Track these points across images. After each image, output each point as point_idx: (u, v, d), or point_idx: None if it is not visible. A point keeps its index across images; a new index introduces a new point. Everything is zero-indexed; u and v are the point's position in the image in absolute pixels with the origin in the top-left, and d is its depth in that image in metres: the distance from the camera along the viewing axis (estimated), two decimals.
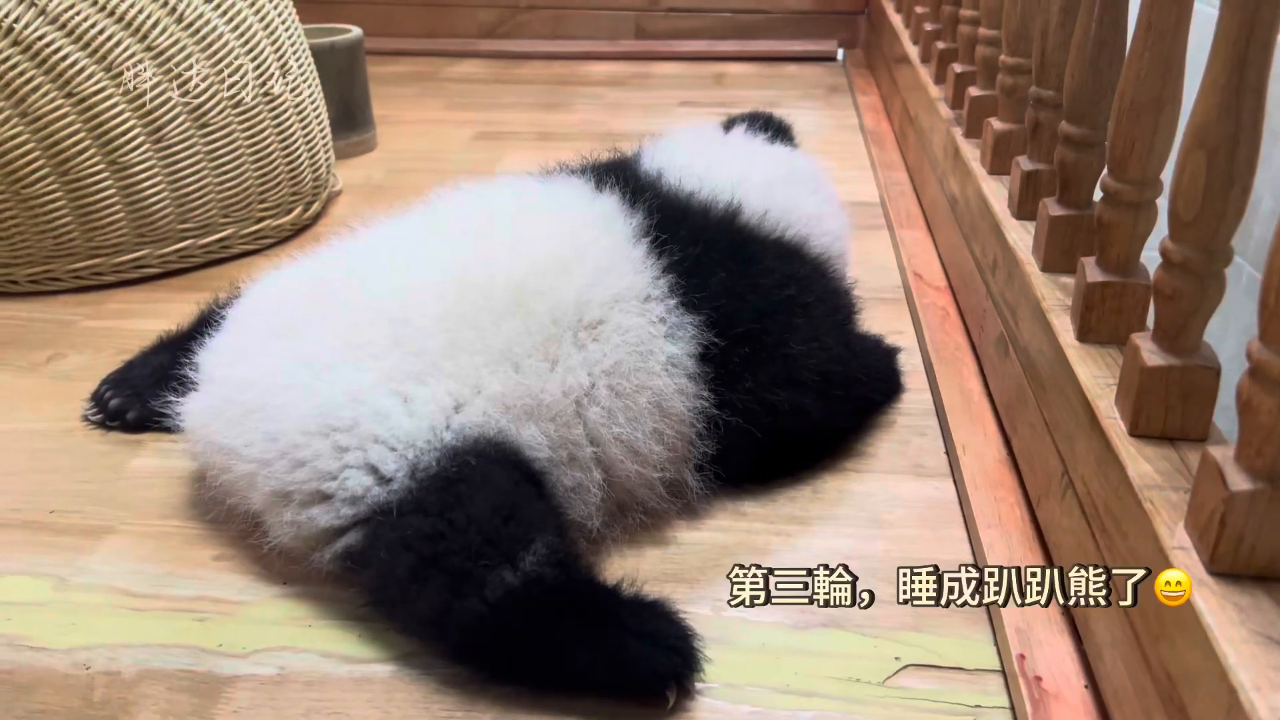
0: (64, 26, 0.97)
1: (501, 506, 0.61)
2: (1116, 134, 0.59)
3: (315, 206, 1.20)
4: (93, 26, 0.98)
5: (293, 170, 1.14)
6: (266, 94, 1.10)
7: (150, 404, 0.82)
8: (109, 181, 1.01)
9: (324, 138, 1.22)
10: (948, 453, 0.79)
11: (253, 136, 1.09)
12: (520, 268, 0.69)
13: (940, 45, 1.19)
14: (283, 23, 1.14)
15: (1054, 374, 0.64)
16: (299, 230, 1.18)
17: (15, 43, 0.96)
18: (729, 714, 0.57)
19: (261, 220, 1.13)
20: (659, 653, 0.57)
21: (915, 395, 0.86)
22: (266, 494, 0.64)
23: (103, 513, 0.73)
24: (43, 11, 0.96)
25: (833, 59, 1.92)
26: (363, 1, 1.94)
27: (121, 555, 0.69)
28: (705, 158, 0.83)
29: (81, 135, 0.99)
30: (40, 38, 0.96)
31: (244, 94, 1.07)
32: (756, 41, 1.93)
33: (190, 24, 1.03)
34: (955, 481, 0.75)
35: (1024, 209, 0.81)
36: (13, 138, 0.97)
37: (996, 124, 0.90)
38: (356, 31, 1.41)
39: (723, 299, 0.72)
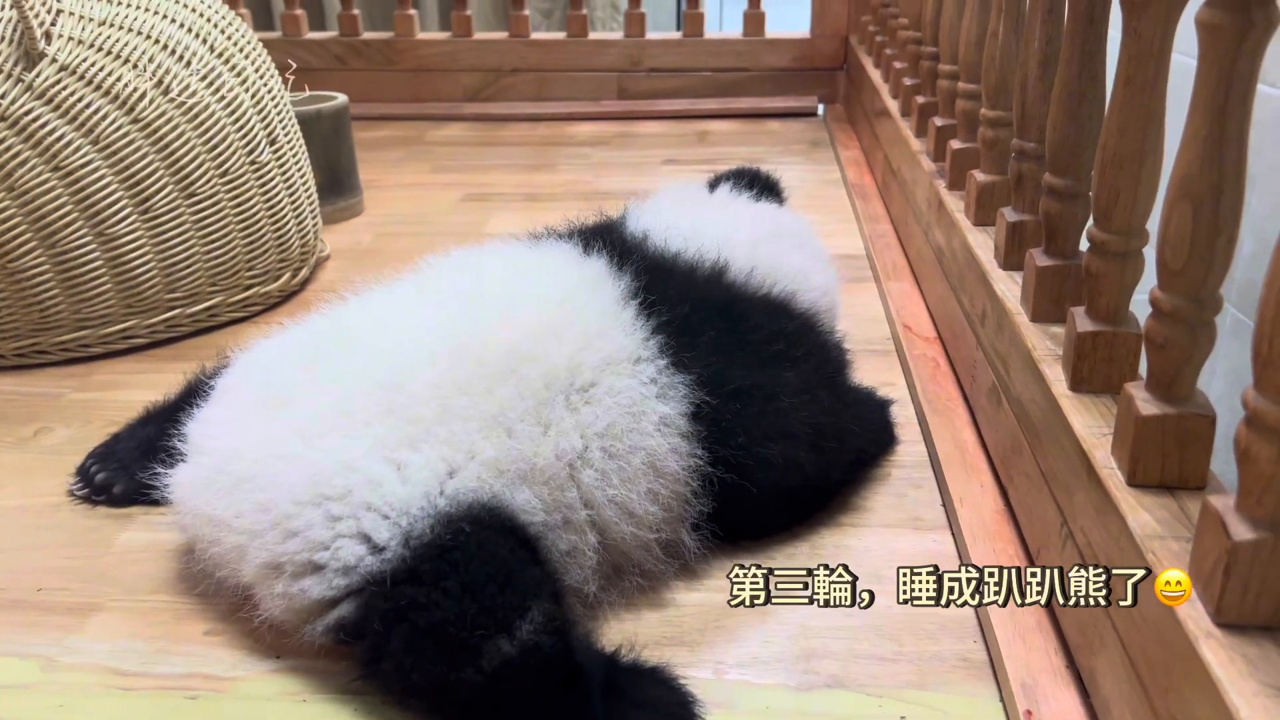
0: (50, 101, 0.98)
1: (496, 574, 0.60)
2: (1100, 185, 0.59)
3: (304, 272, 1.20)
4: (79, 100, 0.98)
5: (280, 237, 1.15)
6: (253, 163, 1.10)
7: (137, 477, 0.81)
8: (96, 253, 1.01)
9: (311, 204, 1.22)
10: (944, 505, 0.78)
11: (240, 205, 1.09)
12: (512, 333, 0.69)
13: (920, 99, 1.20)
14: (269, 92, 1.15)
15: (1048, 424, 0.64)
16: (287, 296, 1.18)
17: (2, 118, 0.96)
18: None
19: (250, 288, 1.13)
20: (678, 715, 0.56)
21: (909, 447, 0.86)
22: (258, 565, 0.63)
23: (90, 589, 0.72)
24: (29, 87, 0.97)
25: (813, 114, 1.95)
26: (348, 69, 1.96)
27: (111, 633, 0.68)
28: (690, 217, 0.84)
29: (69, 208, 0.99)
30: (27, 113, 0.97)
31: (230, 164, 1.08)
32: (738, 99, 1.95)
33: (177, 97, 1.04)
34: (954, 534, 0.75)
35: (1010, 260, 0.81)
36: None
37: (980, 176, 0.91)
38: (342, 99, 1.42)
39: (712, 357, 0.72)
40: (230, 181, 1.08)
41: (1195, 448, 0.52)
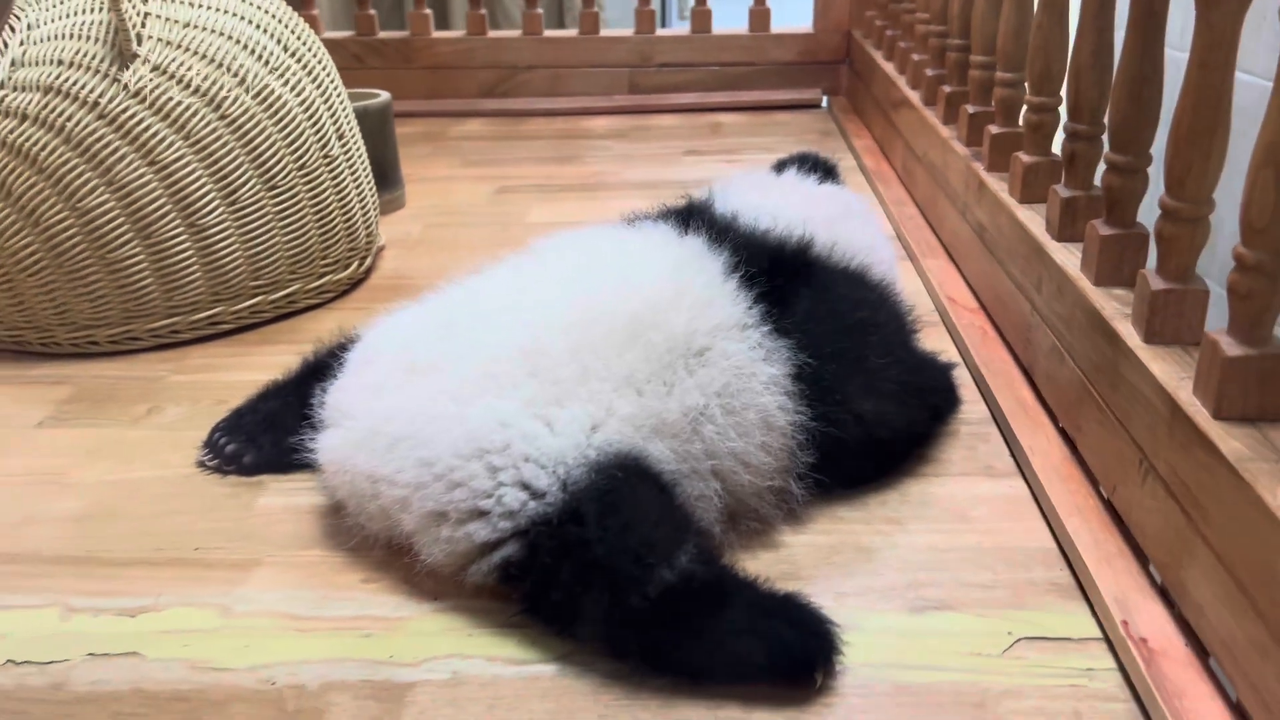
0: (144, 99, 1.03)
1: (651, 512, 0.67)
2: (1174, 158, 0.67)
3: (368, 261, 1.26)
4: (170, 99, 1.04)
5: (349, 227, 1.20)
6: (326, 156, 1.16)
7: (264, 448, 0.87)
8: (188, 243, 1.07)
9: (372, 196, 1.28)
10: (1013, 455, 0.86)
11: (315, 197, 1.15)
12: (634, 304, 0.76)
13: (947, 89, 1.28)
14: (335, 90, 1.20)
15: (1121, 374, 0.72)
16: (355, 284, 1.24)
17: (100, 116, 1.02)
18: (870, 690, 0.63)
19: (323, 276, 1.19)
20: (806, 637, 0.63)
21: (970, 406, 0.94)
22: (422, 515, 0.70)
23: (245, 547, 0.78)
24: (125, 86, 1.02)
25: (818, 106, 2.03)
26: (366, 68, 2.01)
27: (274, 584, 0.74)
28: (771, 198, 0.91)
29: (163, 201, 1.05)
30: (124, 110, 1.02)
31: (307, 158, 1.14)
32: (745, 92, 2.03)
33: (259, 94, 1.09)
34: (1026, 480, 0.83)
35: (1063, 232, 0.89)
36: (99, 205, 1.02)
37: (1025, 157, 0.99)
38: (385, 95, 1.48)
39: (808, 324, 0.79)
40: (306, 174, 1.14)
41: (1275, 383, 0.60)
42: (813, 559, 0.75)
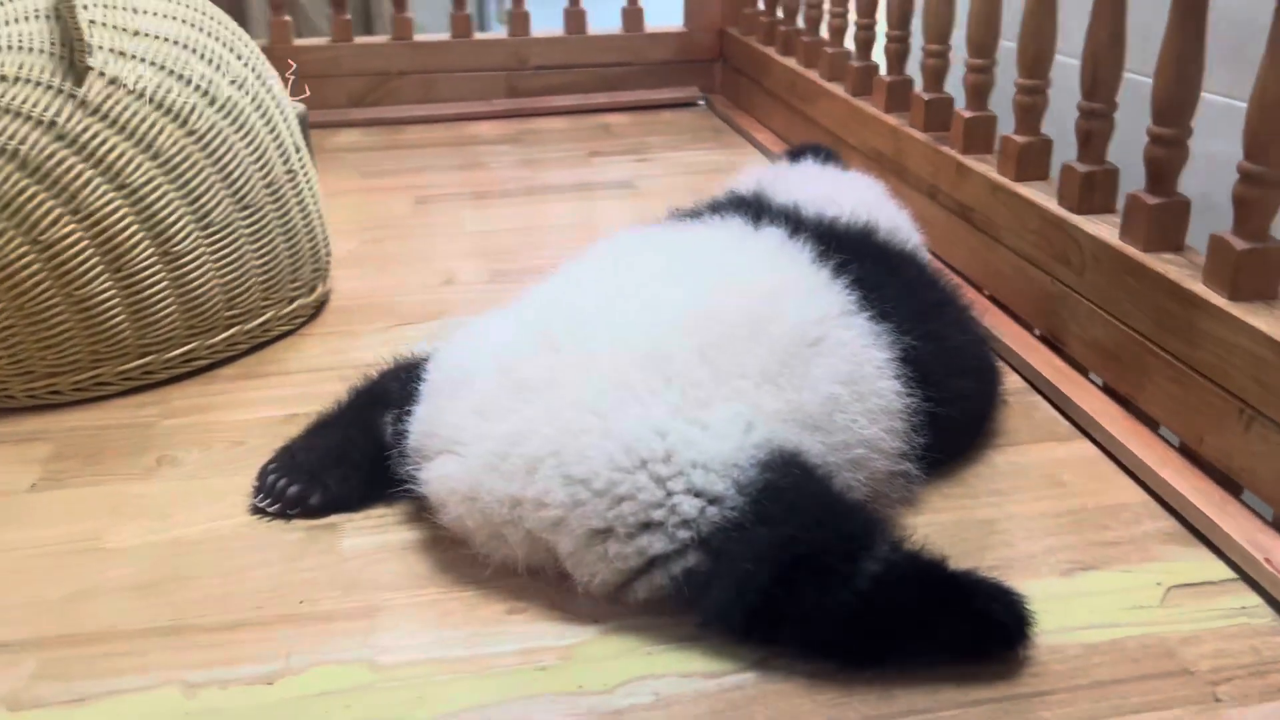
0: (105, 117, 0.92)
1: (837, 505, 0.66)
2: (1258, 126, 0.73)
3: (328, 282, 1.18)
4: (134, 115, 0.94)
5: (313, 245, 1.12)
6: (288, 170, 1.08)
7: (331, 486, 0.80)
8: (161, 273, 0.97)
9: (322, 213, 1.20)
10: (1069, 419, 0.91)
11: (282, 214, 1.07)
12: (744, 299, 0.75)
13: (888, 79, 1.33)
14: (281, 97, 1.12)
15: (1209, 331, 0.77)
16: (320, 306, 1.16)
17: (59, 137, 0.90)
18: (1064, 654, 0.65)
19: (294, 300, 1.10)
20: (1005, 612, 0.64)
21: (1005, 376, 0.98)
22: (582, 534, 0.66)
23: (354, 594, 0.72)
24: (82, 103, 0.91)
25: (696, 104, 2.05)
26: None
27: (410, 628, 0.68)
28: (818, 188, 0.92)
29: (135, 228, 0.94)
30: (84, 130, 0.91)
31: (273, 173, 1.05)
32: (624, 92, 2.03)
33: (220, 105, 1.00)
34: (1094, 440, 0.87)
35: (1084, 205, 0.94)
36: (65, 237, 0.91)
37: (1019, 138, 1.04)
38: (301, 106, 1.38)
39: (897, 306, 0.80)
40: (272, 190, 1.05)
41: None
42: (943, 537, 0.76)
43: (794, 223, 0.84)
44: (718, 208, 0.90)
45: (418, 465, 0.75)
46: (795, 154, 1.07)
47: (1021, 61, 1.02)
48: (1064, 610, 0.68)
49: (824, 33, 1.60)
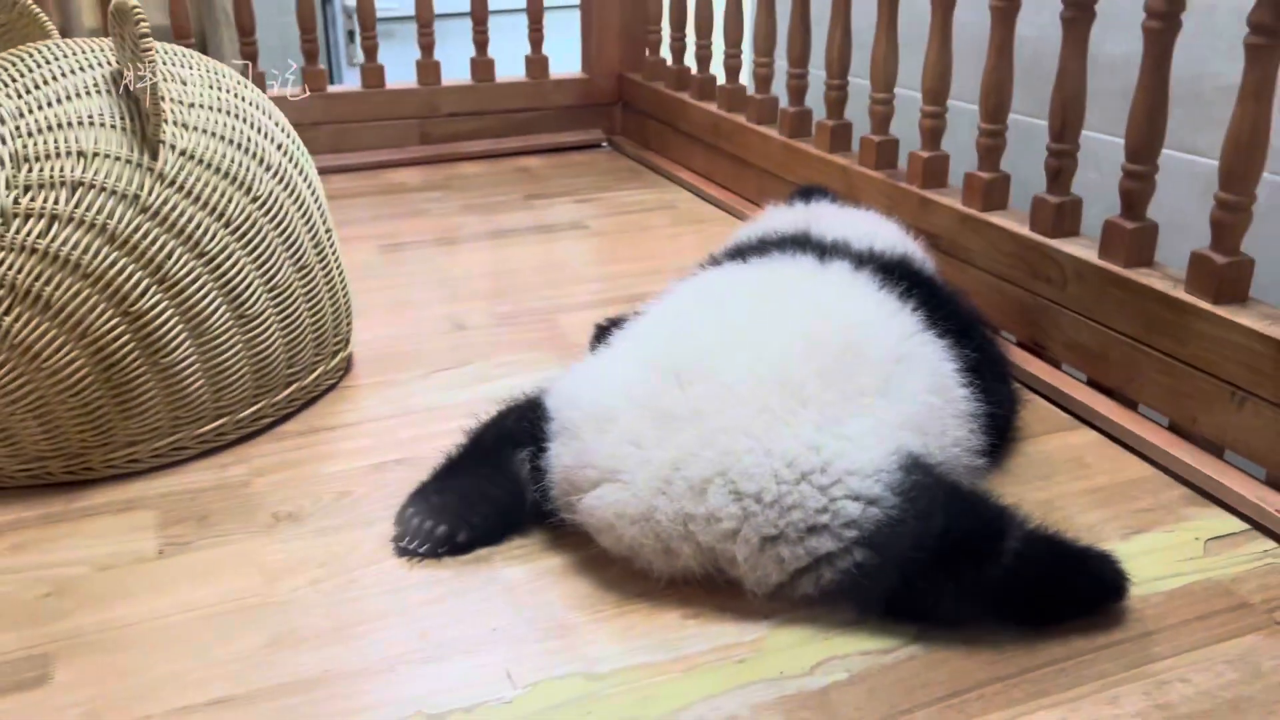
0: (183, 188, 0.95)
1: (970, 496, 0.79)
2: (1233, 161, 0.90)
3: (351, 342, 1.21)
4: (204, 185, 0.97)
5: (346, 299, 1.16)
6: (327, 229, 1.12)
7: (476, 523, 0.86)
8: (237, 337, 0.99)
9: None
10: (1070, 412, 1.06)
11: (325, 270, 1.10)
12: (840, 326, 0.87)
13: (831, 123, 1.48)
14: (308, 162, 1.15)
15: (1199, 330, 0.94)
16: (349, 359, 1.19)
17: (143, 210, 0.92)
18: (1150, 602, 0.79)
19: (337, 354, 1.14)
20: (1114, 570, 0.78)
21: None
22: (756, 541, 0.76)
23: (538, 618, 0.78)
24: (160, 175, 0.94)
25: (600, 146, 2.16)
26: None
27: (607, 642, 0.76)
28: (855, 225, 1.05)
29: (213, 293, 0.97)
30: (164, 201, 0.94)
31: (320, 231, 1.09)
32: (534, 136, 2.11)
33: (274, 171, 1.04)
34: (1094, 427, 1.03)
35: (1056, 230, 1.11)
36: (153, 306, 0.93)
37: (984, 175, 1.20)
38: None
39: (951, 324, 0.94)
40: (318, 248, 1.09)
41: None
42: None
43: (851, 256, 0.96)
44: (771, 246, 1.01)
45: (571, 496, 0.83)
46: (804, 194, 1.20)
47: (984, 109, 1.19)
48: (1136, 567, 0.82)
49: (745, 79, 1.74)
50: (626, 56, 2.15)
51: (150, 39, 0.92)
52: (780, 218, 1.11)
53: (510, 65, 2.11)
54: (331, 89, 2.00)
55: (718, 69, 1.82)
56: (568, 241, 1.62)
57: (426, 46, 2.02)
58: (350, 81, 2.25)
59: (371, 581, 0.83)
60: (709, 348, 0.85)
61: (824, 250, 0.97)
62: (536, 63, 2.11)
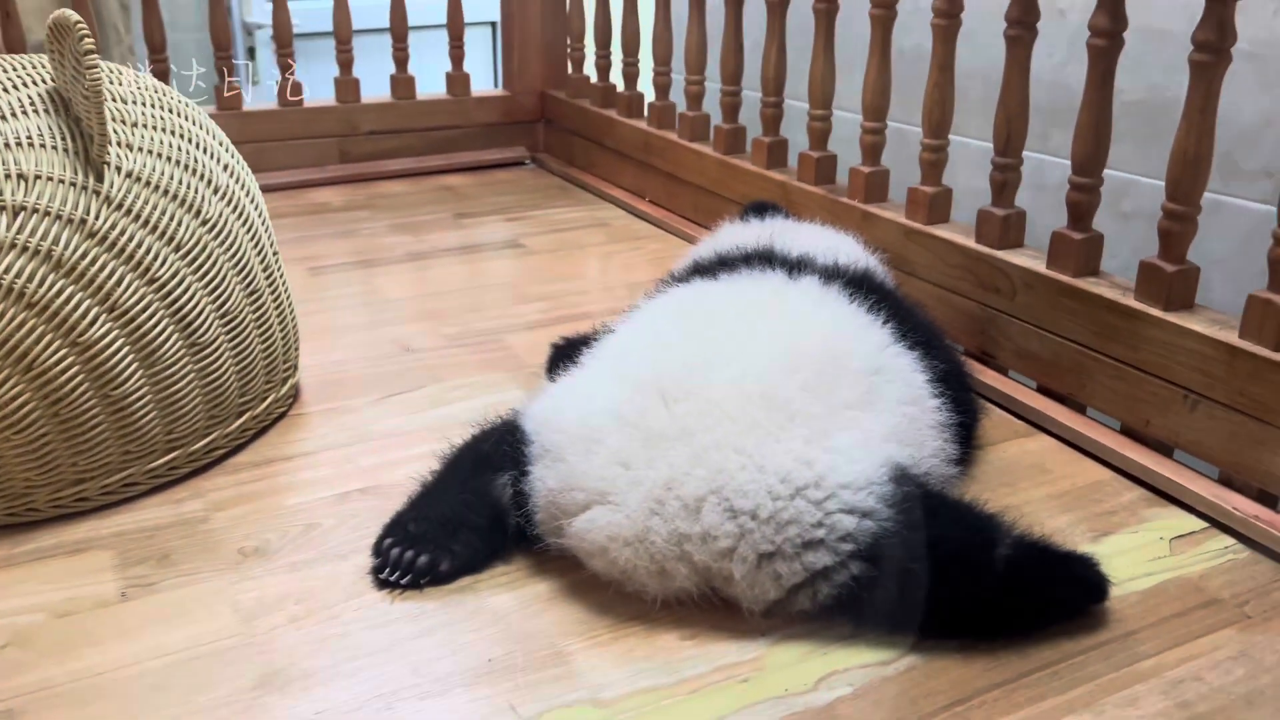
0: (131, 212, 0.91)
1: (958, 505, 0.80)
2: (1179, 175, 0.94)
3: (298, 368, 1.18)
4: (152, 208, 0.92)
5: (294, 324, 1.13)
6: (274, 251, 1.09)
7: (458, 551, 0.84)
8: (188, 366, 0.95)
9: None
10: (1025, 420, 1.09)
11: (274, 296, 1.07)
12: (820, 340, 0.87)
13: (767, 140, 1.50)
14: (252, 183, 1.12)
15: (1151, 336, 0.98)
16: (294, 397, 1.15)
17: (90, 234, 0.88)
18: (1128, 600, 0.82)
19: (286, 381, 1.10)
20: (1095, 573, 0.80)
21: None
22: (753, 558, 0.76)
23: (533, 645, 0.77)
24: (107, 199, 0.90)
25: (524, 163, 2.14)
26: None
27: (608, 668, 0.75)
28: (816, 240, 1.06)
29: (165, 322, 0.93)
30: (112, 226, 0.89)
31: (268, 255, 1.06)
32: (456, 154, 2.09)
33: (220, 192, 1.00)
34: (1049, 433, 1.06)
35: (1004, 242, 1.14)
36: (103, 336, 0.88)
37: (927, 189, 1.23)
38: None
39: (920, 336, 0.95)
40: (268, 273, 1.06)
41: None
42: None
43: (818, 271, 0.97)
44: (738, 262, 1.01)
45: (558, 521, 0.81)
46: (757, 211, 1.20)
47: (927, 125, 1.21)
48: (1110, 569, 0.84)
49: (674, 97, 1.75)
50: (548, 73, 2.14)
51: (95, 55, 0.87)
52: (739, 234, 1.11)
53: (428, 82, 2.08)
54: (247, 107, 1.94)
55: (646, 86, 1.83)
56: (505, 260, 1.60)
57: (345, 64, 1.98)
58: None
59: (354, 617, 0.80)
60: (692, 365, 0.85)
61: (791, 265, 0.98)
62: (458, 80, 2.08)
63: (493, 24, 3.28)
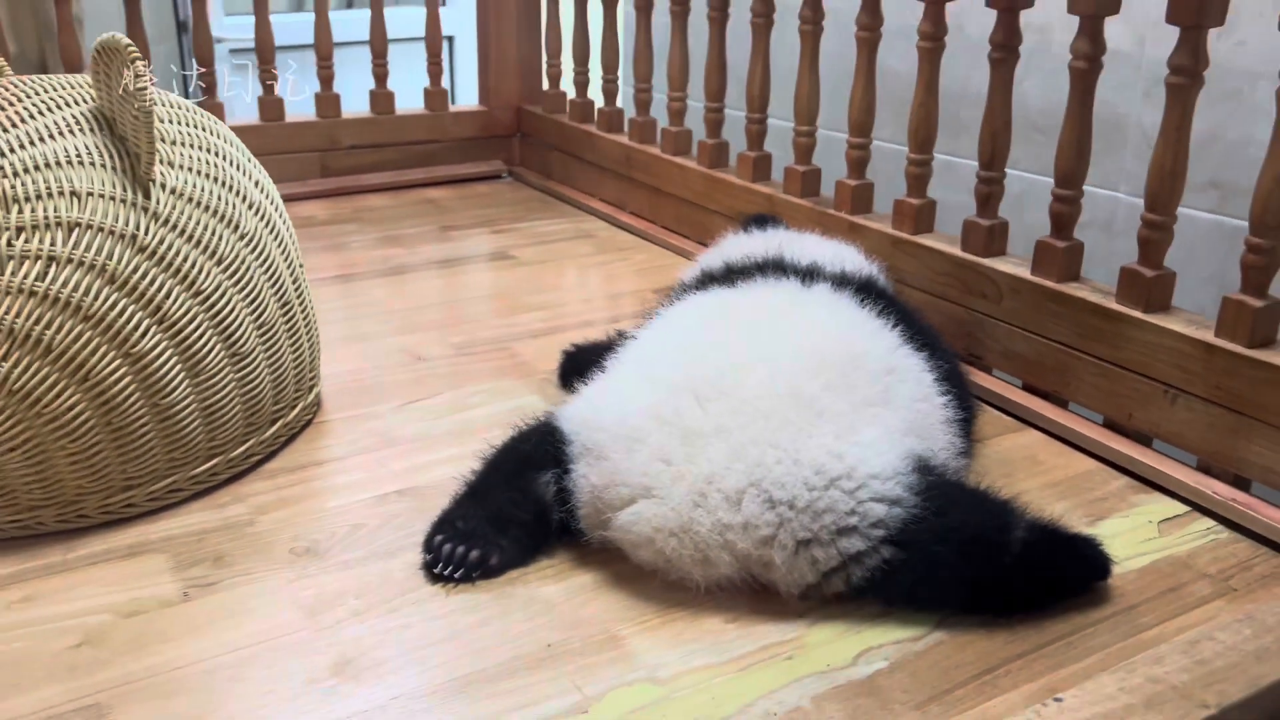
0: (177, 227, 0.94)
1: (976, 492, 0.87)
2: (1158, 187, 1.02)
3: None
4: (197, 224, 0.96)
5: (319, 333, 1.16)
6: (301, 264, 1.12)
7: (506, 546, 0.89)
8: (230, 376, 0.98)
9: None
10: (1014, 416, 1.17)
11: (303, 306, 1.10)
12: (838, 342, 0.94)
13: (752, 155, 1.57)
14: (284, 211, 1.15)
15: (1133, 336, 1.06)
16: (318, 405, 1.19)
17: (140, 249, 0.91)
18: (1127, 579, 0.89)
19: (313, 388, 1.14)
20: (1100, 552, 0.87)
21: None
22: (791, 545, 0.82)
23: (588, 631, 0.82)
24: (155, 215, 0.93)
25: (501, 177, 2.19)
26: None
27: (664, 649, 0.80)
28: (820, 249, 1.12)
29: (209, 333, 0.96)
30: (160, 240, 0.93)
31: (299, 270, 1.10)
32: (436, 168, 2.12)
33: (254, 208, 1.04)
34: (1038, 428, 1.14)
35: (989, 250, 1.22)
36: (153, 347, 0.92)
37: (914, 201, 1.30)
38: None
39: (922, 338, 1.02)
40: (297, 285, 1.09)
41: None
42: None
43: (828, 278, 1.03)
44: (752, 271, 1.07)
45: (603, 515, 0.86)
46: (759, 222, 1.27)
47: (913, 141, 1.29)
48: (1108, 549, 0.93)
49: (655, 113, 1.81)
50: (524, 89, 2.19)
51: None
52: (745, 245, 1.17)
53: (406, 97, 2.12)
54: (231, 121, 1.96)
55: (626, 103, 1.89)
56: (496, 272, 1.65)
57: (326, 79, 2.01)
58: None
59: (413, 609, 0.84)
60: (722, 367, 0.91)
61: (803, 274, 1.04)
62: (436, 95, 2.12)
63: (450, 38, 3.33)
